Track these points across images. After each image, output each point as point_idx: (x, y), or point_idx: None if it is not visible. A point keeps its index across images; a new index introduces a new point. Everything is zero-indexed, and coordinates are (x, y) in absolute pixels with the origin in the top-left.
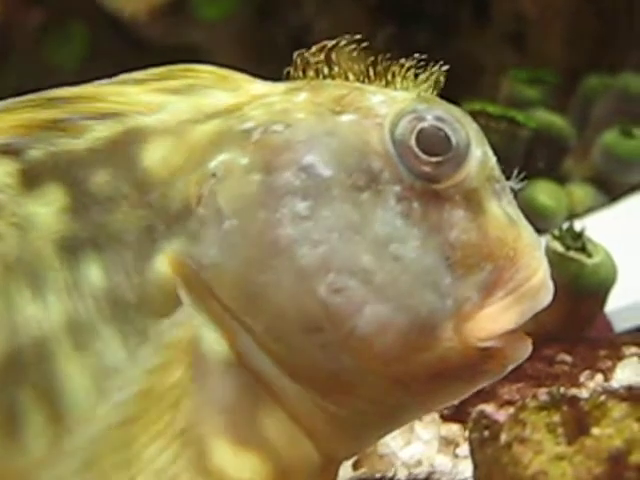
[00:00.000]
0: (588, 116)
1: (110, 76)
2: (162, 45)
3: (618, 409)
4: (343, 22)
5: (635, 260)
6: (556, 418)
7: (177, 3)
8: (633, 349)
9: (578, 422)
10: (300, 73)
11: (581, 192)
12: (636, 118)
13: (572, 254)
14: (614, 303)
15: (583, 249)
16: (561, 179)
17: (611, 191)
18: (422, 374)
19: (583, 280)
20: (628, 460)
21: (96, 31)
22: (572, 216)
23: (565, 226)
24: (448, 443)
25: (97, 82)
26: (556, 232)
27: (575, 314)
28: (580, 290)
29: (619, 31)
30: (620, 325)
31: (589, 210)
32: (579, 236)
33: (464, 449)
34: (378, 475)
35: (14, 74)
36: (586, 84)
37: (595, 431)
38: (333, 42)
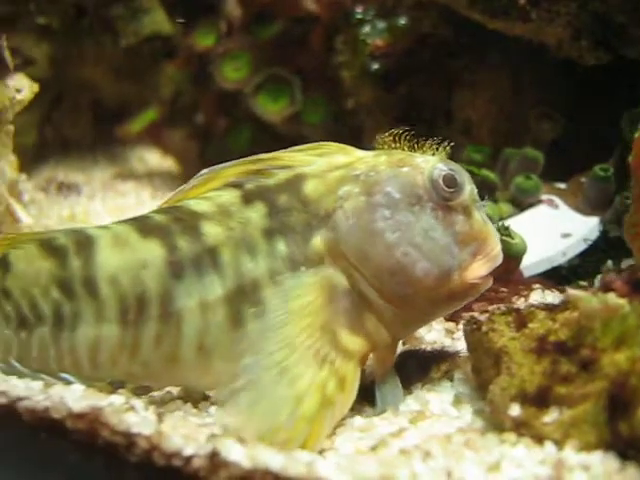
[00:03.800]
0: (507, 170)
1: (270, 151)
2: (289, 136)
3: (541, 314)
4: (382, 123)
5: (532, 240)
6: (510, 319)
7: (295, 115)
8: (537, 285)
9: (521, 321)
10: (381, 146)
11: (505, 207)
12: (532, 171)
13: (504, 238)
14: (524, 262)
15: (509, 235)
16: (495, 201)
17: (520, 206)
18: (444, 297)
19: (510, 251)
20: (548, 339)
21: (255, 129)
22: (501, 219)
23: (499, 224)
24: (449, 332)
25: (278, 151)
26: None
27: (507, 268)
28: (509, 256)
29: (519, 124)
30: (527, 273)
31: (510, 216)
32: (506, 229)
33: (458, 335)
34: (416, 348)
35: (213, 153)
36: (505, 153)
37: (530, 325)
38: (394, 132)
